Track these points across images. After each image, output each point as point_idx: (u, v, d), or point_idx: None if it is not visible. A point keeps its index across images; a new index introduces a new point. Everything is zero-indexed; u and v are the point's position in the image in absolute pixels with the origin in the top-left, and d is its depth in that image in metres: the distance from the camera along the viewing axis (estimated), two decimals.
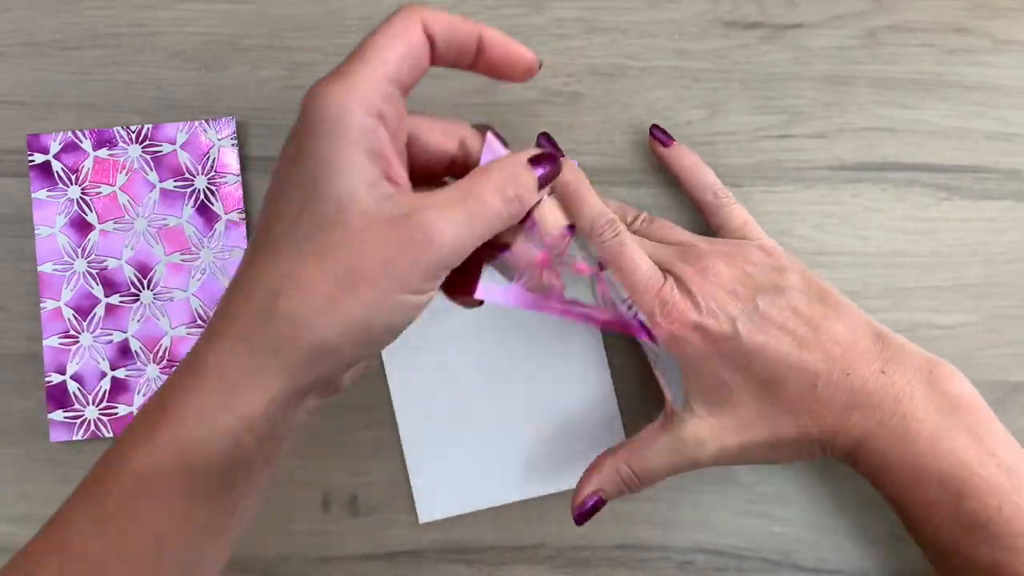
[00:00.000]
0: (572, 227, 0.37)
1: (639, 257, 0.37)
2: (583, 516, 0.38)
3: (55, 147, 0.43)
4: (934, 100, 0.43)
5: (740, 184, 0.43)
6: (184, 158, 0.43)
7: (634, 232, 0.39)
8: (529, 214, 0.35)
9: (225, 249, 0.43)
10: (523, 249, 0.36)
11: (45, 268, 0.43)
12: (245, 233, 0.43)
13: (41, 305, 0.43)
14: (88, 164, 0.43)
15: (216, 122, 0.43)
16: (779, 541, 0.43)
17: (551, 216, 0.36)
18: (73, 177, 0.43)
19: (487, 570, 0.43)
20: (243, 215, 0.43)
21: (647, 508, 0.43)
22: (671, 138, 0.42)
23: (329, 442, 0.43)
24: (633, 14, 0.43)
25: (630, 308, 0.38)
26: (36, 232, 0.43)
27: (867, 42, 0.43)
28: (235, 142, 0.43)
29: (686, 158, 0.42)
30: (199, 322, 0.43)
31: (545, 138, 0.41)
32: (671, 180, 0.43)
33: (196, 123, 0.43)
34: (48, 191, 0.43)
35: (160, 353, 0.43)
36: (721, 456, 0.37)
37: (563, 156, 0.37)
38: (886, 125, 0.43)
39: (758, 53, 0.43)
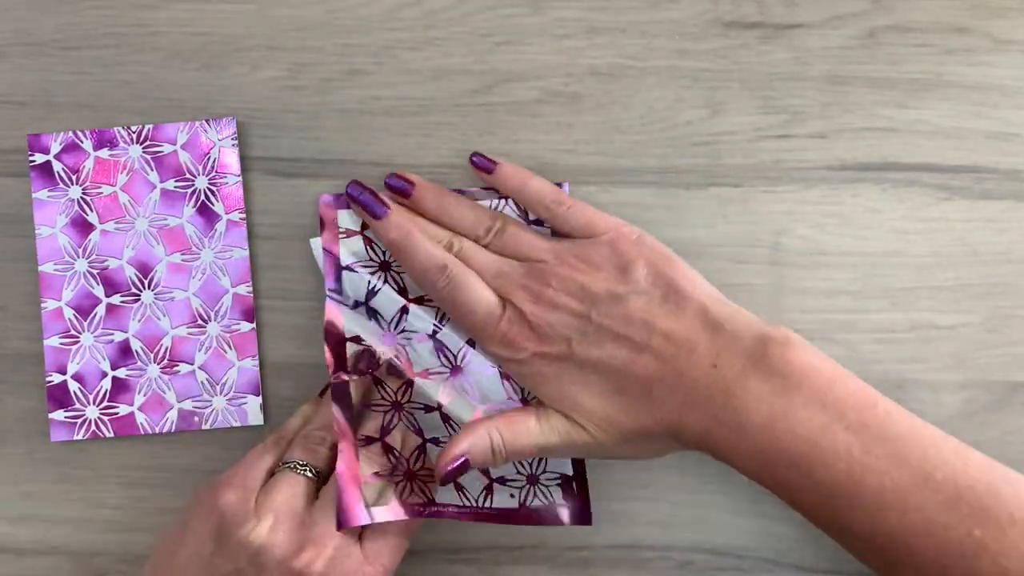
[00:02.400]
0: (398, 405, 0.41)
1: (474, 298, 0.39)
2: (449, 476, 0.38)
3: (56, 147, 0.43)
4: (934, 100, 0.43)
5: (740, 184, 0.43)
6: (185, 158, 0.43)
7: (486, 246, 0.41)
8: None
9: (226, 249, 0.43)
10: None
11: (46, 268, 0.43)
12: (246, 233, 0.43)
13: (42, 305, 0.43)
14: (89, 164, 0.43)
15: (217, 122, 0.43)
16: (779, 541, 0.43)
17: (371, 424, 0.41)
18: (74, 177, 0.43)
19: (487, 570, 0.43)
20: (243, 215, 0.43)
21: (647, 508, 0.43)
22: (493, 162, 0.42)
23: None
24: (633, 14, 0.44)
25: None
26: (37, 232, 0.43)
27: (867, 42, 0.43)
28: (235, 142, 0.43)
29: (509, 181, 0.42)
30: (199, 322, 0.43)
31: (355, 189, 0.42)
32: (672, 181, 0.43)
33: (197, 123, 0.43)
34: (49, 191, 0.43)
35: (161, 353, 0.43)
36: (581, 451, 0.39)
37: (386, 208, 0.40)
38: (886, 125, 0.43)
39: (758, 53, 0.43)
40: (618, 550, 0.43)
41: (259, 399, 0.43)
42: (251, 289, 0.43)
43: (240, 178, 0.43)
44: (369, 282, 0.41)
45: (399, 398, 0.42)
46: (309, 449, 0.40)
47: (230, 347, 0.43)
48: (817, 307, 0.43)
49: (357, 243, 0.42)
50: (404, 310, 0.41)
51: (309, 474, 0.39)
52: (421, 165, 0.43)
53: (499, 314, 0.39)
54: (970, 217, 0.43)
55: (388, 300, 0.41)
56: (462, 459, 0.38)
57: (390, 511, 0.39)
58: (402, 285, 0.42)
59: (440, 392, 0.41)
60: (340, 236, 0.42)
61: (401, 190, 0.42)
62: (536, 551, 0.43)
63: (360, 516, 0.38)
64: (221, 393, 0.43)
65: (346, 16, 0.44)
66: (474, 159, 0.42)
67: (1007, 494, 0.33)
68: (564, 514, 0.41)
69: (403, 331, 0.42)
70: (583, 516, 0.41)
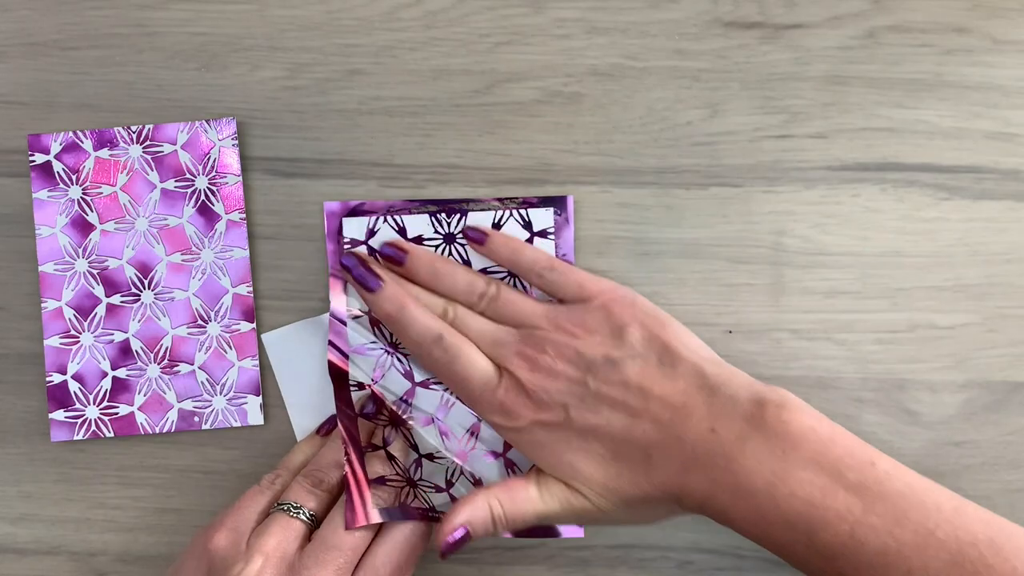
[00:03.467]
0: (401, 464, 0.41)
1: (470, 367, 0.39)
2: (449, 548, 0.38)
3: (56, 147, 0.43)
4: (934, 100, 0.43)
5: (740, 184, 0.43)
6: (185, 158, 0.43)
7: (481, 312, 0.41)
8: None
9: (226, 249, 0.43)
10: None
11: (46, 268, 0.43)
12: (246, 233, 0.43)
13: (42, 305, 0.43)
14: (89, 164, 0.43)
15: (217, 123, 0.43)
16: None
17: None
18: (74, 177, 0.43)
19: (487, 570, 0.43)
20: (243, 215, 0.43)
21: None
22: (484, 233, 0.42)
23: None
24: (633, 14, 0.44)
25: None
26: (37, 232, 0.43)
27: (867, 42, 0.43)
28: (236, 142, 0.43)
29: (501, 251, 0.42)
30: (199, 322, 0.43)
31: (350, 261, 0.42)
32: (672, 181, 0.43)
33: (197, 124, 0.43)
34: (49, 191, 0.43)
35: (161, 353, 0.43)
36: (582, 518, 0.39)
37: (379, 281, 0.40)
38: (886, 125, 0.43)
39: (758, 53, 0.43)
40: (618, 550, 0.43)
41: (259, 399, 0.43)
42: (251, 289, 0.43)
43: (240, 178, 0.43)
44: (377, 359, 0.42)
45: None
46: (307, 490, 0.40)
47: (230, 347, 0.43)
48: (817, 307, 0.43)
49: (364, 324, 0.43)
50: (410, 393, 0.42)
51: (304, 517, 0.39)
52: (421, 165, 0.43)
53: (496, 383, 0.39)
54: (970, 217, 0.43)
55: (395, 381, 0.42)
56: (462, 530, 0.38)
57: (395, 513, 0.39)
58: (408, 368, 0.42)
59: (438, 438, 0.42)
60: (345, 246, 0.43)
61: (395, 258, 0.42)
62: (536, 551, 0.43)
63: (367, 517, 0.39)
64: (221, 393, 0.43)
65: (346, 16, 0.44)
66: (467, 232, 0.42)
67: (1008, 549, 0.33)
68: (561, 528, 0.42)
69: (409, 414, 0.42)
70: (577, 527, 0.42)
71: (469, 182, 0.43)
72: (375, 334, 0.42)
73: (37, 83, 0.44)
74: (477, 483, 0.41)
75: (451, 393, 0.41)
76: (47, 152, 0.43)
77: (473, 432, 0.41)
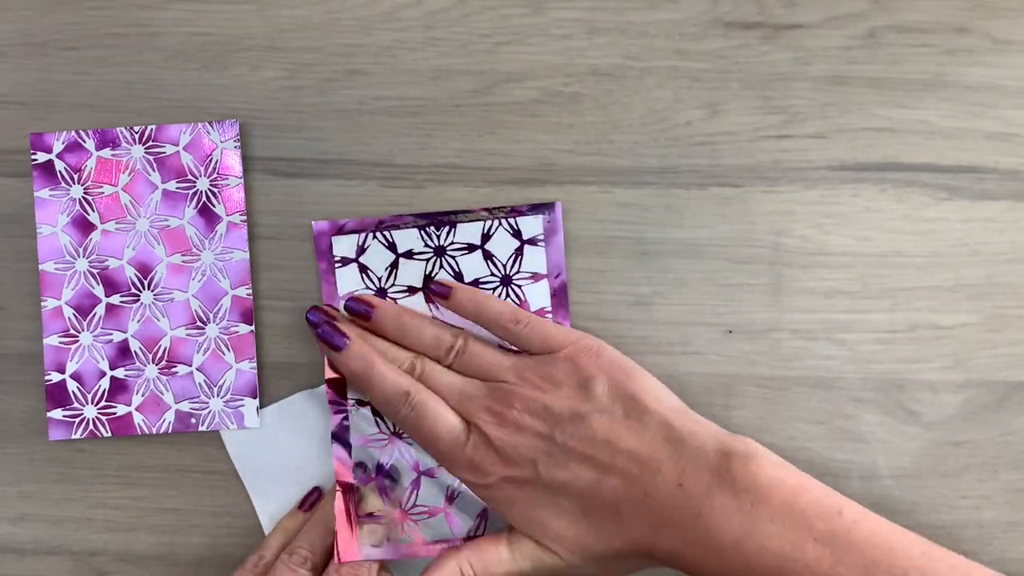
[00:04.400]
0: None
1: (438, 424, 0.39)
2: None
3: (58, 146, 0.43)
4: (934, 100, 0.43)
5: (740, 184, 0.43)
6: (187, 160, 0.43)
7: (448, 366, 0.41)
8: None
9: (226, 251, 0.43)
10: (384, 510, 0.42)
11: (46, 267, 0.43)
12: (246, 235, 0.43)
13: (42, 304, 0.43)
14: (91, 164, 0.43)
15: (220, 124, 0.43)
16: None
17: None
18: (75, 176, 0.43)
19: None
20: (244, 217, 0.43)
21: None
22: (447, 287, 0.42)
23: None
24: (633, 14, 0.44)
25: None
26: (38, 231, 0.43)
27: (867, 42, 0.43)
28: (238, 144, 0.43)
29: (466, 305, 0.42)
30: (198, 323, 0.43)
31: (316, 317, 0.42)
32: (672, 181, 0.43)
33: (199, 125, 0.43)
34: (50, 190, 0.43)
35: (159, 353, 0.43)
36: (556, 573, 0.39)
37: (345, 338, 0.40)
38: (886, 125, 0.43)
39: (758, 53, 0.43)
40: None
41: (256, 402, 0.43)
42: (250, 291, 0.43)
43: (242, 180, 0.43)
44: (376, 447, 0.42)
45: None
46: (291, 570, 0.40)
47: (228, 349, 0.43)
48: (817, 307, 0.43)
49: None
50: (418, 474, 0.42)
51: None
52: (421, 165, 0.43)
53: (464, 440, 0.39)
54: (970, 217, 0.43)
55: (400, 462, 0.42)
56: None
57: (383, 551, 0.41)
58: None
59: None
60: (336, 266, 0.43)
61: (362, 313, 0.42)
62: None
63: (356, 552, 0.40)
64: (218, 395, 0.43)
65: (346, 16, 0.44)
66: (431, 286, 0.42)
67: None
68: None
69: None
70: None
71: (469, 182, 0.43)
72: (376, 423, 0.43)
73: (37, 83, 0.44)
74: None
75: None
76: (49, 151, 0.43)
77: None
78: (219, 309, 0.43)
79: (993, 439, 0.43)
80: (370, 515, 0.41)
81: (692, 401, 0.42)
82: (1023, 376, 0.43)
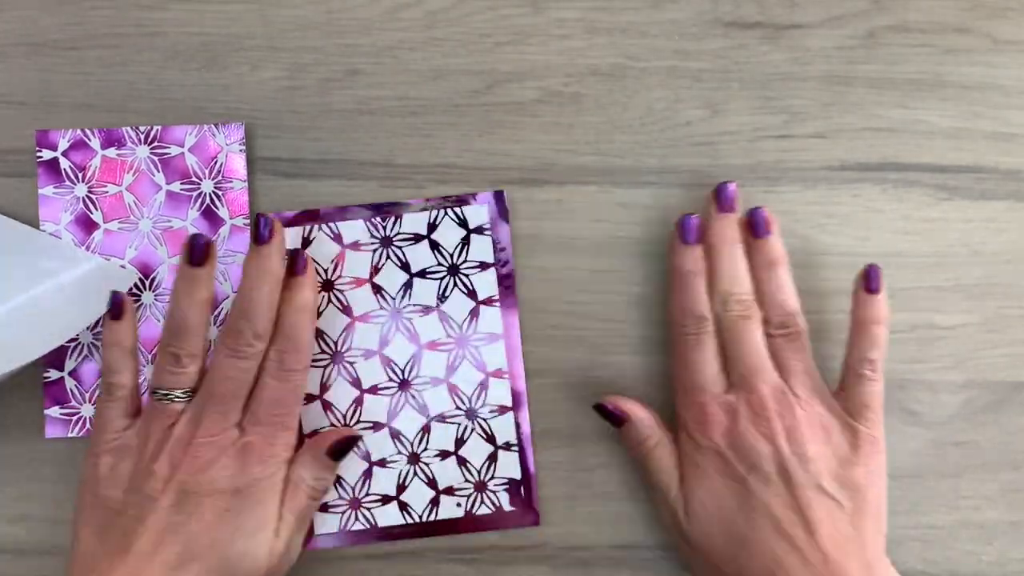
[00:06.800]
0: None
1: (708, 365, 0.39)
2: (612, 416, 0.40)
3: (63, 144, 0.43)
4: (934, 100, 0.43)
5: (740, 184, 0.43)
6: (192, 161, 0.43)
7: (770, 334, 0.39)
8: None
9: (228, 254, 0.43)
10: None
11: None
12: (249, 239, 0.43)
13: None
14: (96, 163, 0.43)
15: (225, 127, 0.43)
16: None
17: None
18: (80, 175, 0.43)
19: (487, 570, 0.43)
20: (247, 220, 0.43)
21: (647, 508, 0.43)
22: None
23: None
24: (633, 14, 0.44)
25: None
26: (41, 228, 0.43)
27: (867, 42, 0.43)
28: (243, 147, 0.43)
29: (874, 313, 0.40)
30: None
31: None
32: (672, 181, 0.43)
33: (205, 127, 0.43)
34: (55, 188, 0.43)
35: None
36: (663, 506, 0.40)
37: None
38: (886, 125, 0.43)
39: (758, 53, 0.43)
40: (618, 550, 0.43)
41: None
42: None
43: (246, 184, 0.43)
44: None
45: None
46: (169, 372, 0.39)
47: None
48: (817, 307, 0.43)
49: None
50: (348, 328, 0.42)
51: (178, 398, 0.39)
52: (421, 165, 0.43)
53: (718, 392, 0.39)
54: (970, 217, 0.43)
55: (332, 320, 0.43)
56: (625, 412, 0.40)
57: (335, 538, 0.42)
58: (346, 304, 0.43)
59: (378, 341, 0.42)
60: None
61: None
62: (536, 551, 0.43)
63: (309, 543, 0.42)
64: None
65: (346, 16, 0.44)
66: (869, 271, 0.40)
67: None
68: (511, 518, 0.42)
69: (349, 348, 0.42)
70: (530, 517, 0.42)
71: (469, 182, 0.43)
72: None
73: (38, 83, 0.44)
74: (431, 483, 0.42)
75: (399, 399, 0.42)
76: (55, 149, 0.43)
77: (425, 430, 0.42)
78: (219, 311, 0.43)
79: (993, 439, 0.43)
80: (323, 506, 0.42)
81: None
82: (1023, 376, 0.43)
